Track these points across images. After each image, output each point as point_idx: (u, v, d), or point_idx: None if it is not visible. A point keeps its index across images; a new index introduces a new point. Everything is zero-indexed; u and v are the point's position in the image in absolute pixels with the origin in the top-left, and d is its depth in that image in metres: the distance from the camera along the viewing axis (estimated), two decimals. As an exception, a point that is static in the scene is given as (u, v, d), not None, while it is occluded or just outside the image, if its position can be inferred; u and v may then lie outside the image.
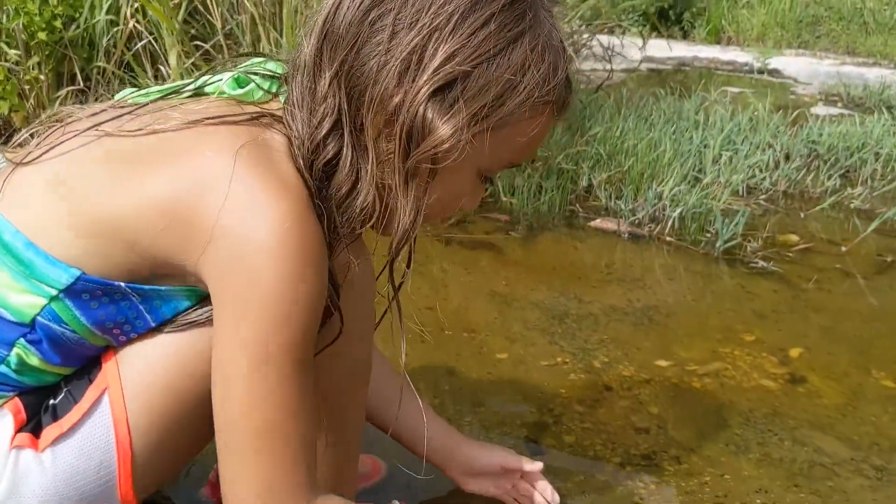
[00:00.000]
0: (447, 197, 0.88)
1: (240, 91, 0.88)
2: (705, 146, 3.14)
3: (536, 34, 0.82)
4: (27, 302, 0.82)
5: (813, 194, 3.02)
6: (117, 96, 0.93)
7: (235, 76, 0.89)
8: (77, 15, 2.63)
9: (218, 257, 0.76)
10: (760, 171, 3.08)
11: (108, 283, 0.82)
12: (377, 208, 0.84)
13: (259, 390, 0.77)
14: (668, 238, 2.53)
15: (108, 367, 0.86)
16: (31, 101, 2.65)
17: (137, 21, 2.59)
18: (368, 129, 0.82)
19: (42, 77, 2.64)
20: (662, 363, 1.80)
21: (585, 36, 3.31)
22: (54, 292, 0.81)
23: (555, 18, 0.86)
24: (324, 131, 0.83)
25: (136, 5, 2.56)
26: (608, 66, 3.83)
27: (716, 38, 7.56)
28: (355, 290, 0.93)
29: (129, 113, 0.86)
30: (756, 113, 3.73)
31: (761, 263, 2.37)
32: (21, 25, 2.56)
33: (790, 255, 2.45)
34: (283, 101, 0.88)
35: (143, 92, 0.91)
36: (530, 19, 0.82)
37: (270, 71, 0.92)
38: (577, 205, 2.77)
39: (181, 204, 0.77)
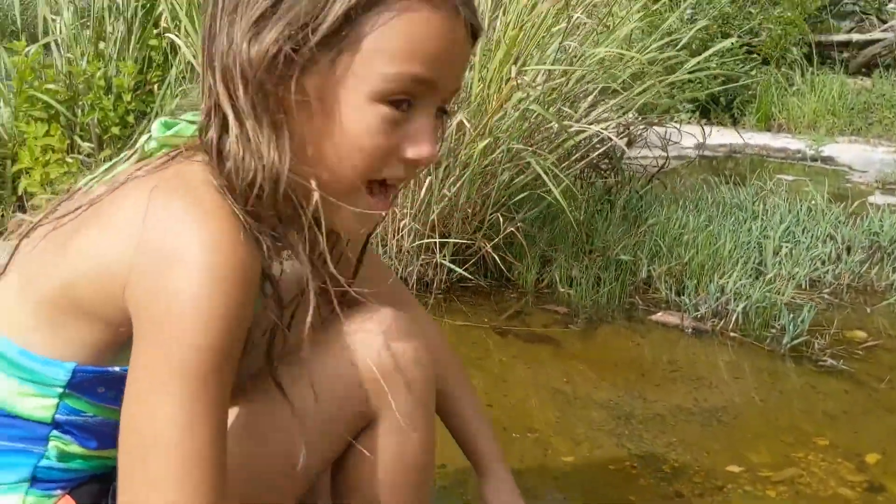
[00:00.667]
0: (350, 136, 0.79)
1: (169, 133, 0.86)
2: (765, 237, 3.11)
3: None
4: (41, 405, 0.82)
5: (878, 288, 2.95)
6: (80, 183, 0.90)
7: (163, 120, 0.87)
8: (148, 110, 2.73)
9: (138, 289, 0.74)
10: (823, 263, 3.02)
11: (103, 370, 0.81)
12: (256, 178, 0.78)
13: (164, 410, 0.73)
14: (732, 333, 2.48)
15: None
16: (101, 191, 2.71)
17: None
18: (228, 95, 0.78)
19: (112, 169, 2.72)
20: (734, 469, 1.74)
21: (641, 127, 3.33)
22: (60, 390, 0.81)
23: None
24: (204, 117, 0.81)
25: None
26: (662, 155, 3.83)
27: (766, 124, 7.56)
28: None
29: (67, 199, 0.86)
30: (814, 202, 3.70)
31: (830, 361, 2.30)
32: (96, 120, 2.66)
33: (859, 352, 2.39)
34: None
35: (94, 175, 0.89)
36: None
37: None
38: (637, 297, 2.75)
39: (107, 254, 0.76)
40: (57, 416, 0.82)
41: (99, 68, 2.65)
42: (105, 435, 0.85)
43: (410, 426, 0.98)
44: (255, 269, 0.77)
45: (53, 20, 2.70)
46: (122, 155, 0.90)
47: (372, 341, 0.97)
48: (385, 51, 0.76)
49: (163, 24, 2.57)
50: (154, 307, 0.73)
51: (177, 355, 0.73)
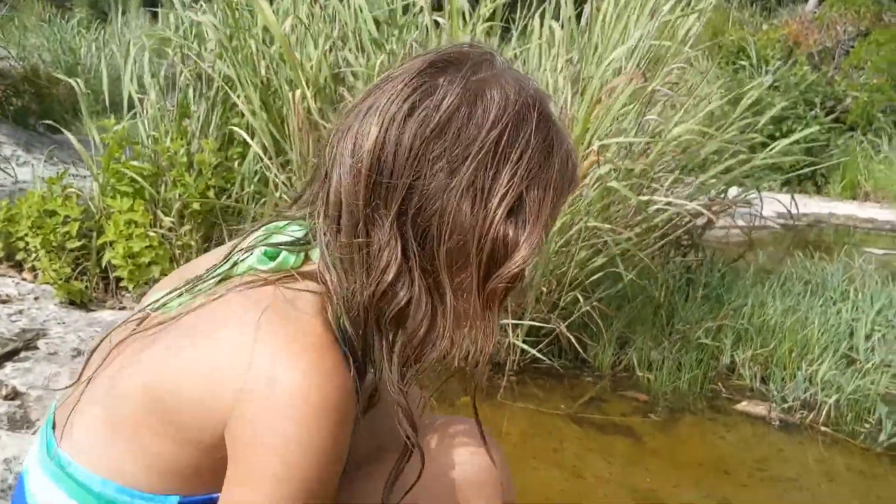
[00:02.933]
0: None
1: (272, 265, 0.86)
2: (856, 321, 2.96)
3: (560, 139, 0.86)
4: None
5: (982, 378, 2.76)
6: (149, 305, 0.89)
7: (264, 251, 0.87)
8: (229, 186, 2.77)
9: (240, 415, 0.75)
10: (920, 350, 2.86)
11: (208, 497, 0.80)
12: (455, 342, 0.83)
13: None
14: (822, 427, 2.35)
15: None
16: (181, 264, 2.76)
17: (283, 193, 2.70)
18: (442, 266, 0.81)
19: (192, 243, 2.76)
20: (830, 588, 1.61)
21: (725, 206, 3.23)
22: None
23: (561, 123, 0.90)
24: (390, 278, 0.80)
25: (281, 177, 2.67)
26: (743, 229, 3.71)
27: (852, 193, 7.33)
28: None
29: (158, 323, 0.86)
30: (907, 281, 3.52)
31: (932, 463, 2.15)
32: (177, 196, 2.71)
33: (964, 452, 2.22)
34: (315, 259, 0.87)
35: (172, 295, 0.88)
36: (551, 127, 0.85)
37: (294, 236, 0.90)
38: (720, 384, 2.63)
39: (213, 375, 0.76)
40: None
41: (182, 146, 2.71)
42: None
43: None
44: (353, 402, 0.79)
45: (140, 99, 2.78)
46: (204, 273, 0.89)
47: (460, 452, 0.98)
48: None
49: (239, 106, 2.62)
50: (256, 442, 0.74)
51: (273, 490, 0.74)
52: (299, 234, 0.90)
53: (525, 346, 2.57)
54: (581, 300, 2.63)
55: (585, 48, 2.68)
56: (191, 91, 2.78)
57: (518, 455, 2.11)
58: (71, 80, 2.92)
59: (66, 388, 0.89)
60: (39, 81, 5.86)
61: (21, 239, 2.77)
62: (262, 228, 0.92)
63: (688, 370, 2.61)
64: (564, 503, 1.87)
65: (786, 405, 2.42)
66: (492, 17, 2.79)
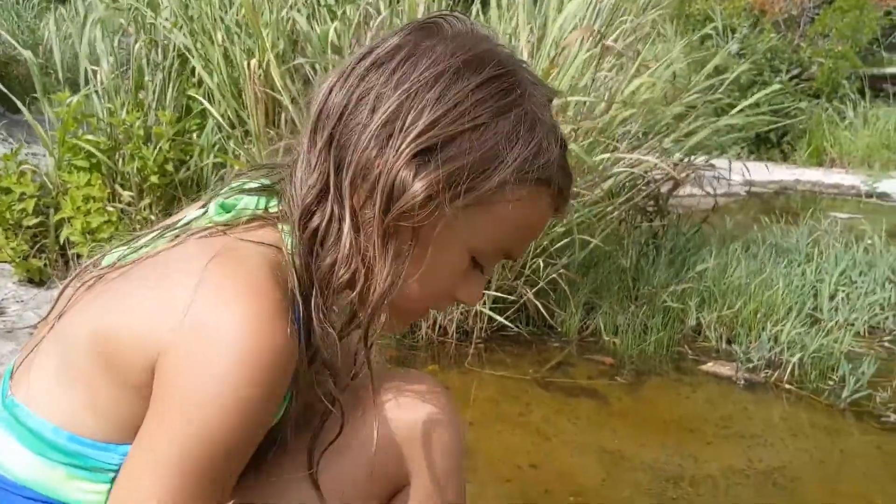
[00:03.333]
0: (437, 274, 0.84)
1: (227, 216, 0.85)
2: (820, 281, 2.98)
3: (525, 110, 0.81)
4: (92, 490, 0.79)
5: (943, 335, 2.80)
6: (107, 259, 0.87)
7: (220, 202, 0.87)
8: (187, 158, 2.72)
9: (169, 357, 0.73)
10: (882, 308, 2.89)
11: None
12: (359, 279, 0.81)
13: (163, 486, 0.72)
14: (787, 386, 2.36)
15: None
16: (141, 240, 2.71)
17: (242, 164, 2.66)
18: (353, 197, 0.81)
19: (153, 217, 2.72)
20: (793, 538, 1.63)
21: (688, 170, 3.23)
22: (113, 474, 0.78)
23: (547, 107, 0.85)
24: (310, 199, 0.81)
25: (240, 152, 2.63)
26: (709, 193, 3.72)
27: (818, 160, 7.39)
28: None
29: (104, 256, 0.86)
30: (871, 242, 3.56)
31: (893, 417, 2.17)
32: (135, 169, 2.66)
33: (926, 406, 2.25)
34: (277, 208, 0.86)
35: (131, 248, 0.87)
36: (519, 95, 0.81)
37: (260, 184, 0.90)
38: (686, 346, 2.64)
39: (156, 316, 0.75)
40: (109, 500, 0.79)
41: (138, 118, 2.65)
42: None
43: (442, 489, 0.96)
44: (291, 365, 0.76)
45: (94, 71, 2.72)
46: (160, 226, 0.89)
47: (404, 404, 0.96)
48: (504, 222, 0.83)
49: (196, 76, 2.57)
50: (179, 380, 0.72)
51: (183, 442, 0.72)
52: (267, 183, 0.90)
53: (492, 314, 2.57)
54: (547, 266, 2.63)
55: (546, 12, 2.66)
56: (145, 62, 2.72)
57: (485, 420, 2.10)
58: (24, 52, 2.84)
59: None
60: (-3, 61, 5.75)
61: (-25, 214, 2.71)
62: (236, 183, 0.92)
63: (654, 333, 2.62)
64: (528, 464, 1.87)
65: (751, 365, 2.44)
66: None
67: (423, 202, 0.78)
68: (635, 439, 2.02)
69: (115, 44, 2.84)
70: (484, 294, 0.86)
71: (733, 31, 8.09)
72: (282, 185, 0.86)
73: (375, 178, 0.79)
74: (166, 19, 2.70)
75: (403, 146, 0.78)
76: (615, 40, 2.59)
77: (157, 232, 0.86)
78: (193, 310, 0.72)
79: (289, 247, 0.82)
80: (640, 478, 1.83)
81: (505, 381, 2.33)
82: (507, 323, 2.58)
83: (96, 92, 2.75)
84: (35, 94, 2.87)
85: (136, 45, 2.70)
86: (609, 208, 2.87)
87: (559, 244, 2.66)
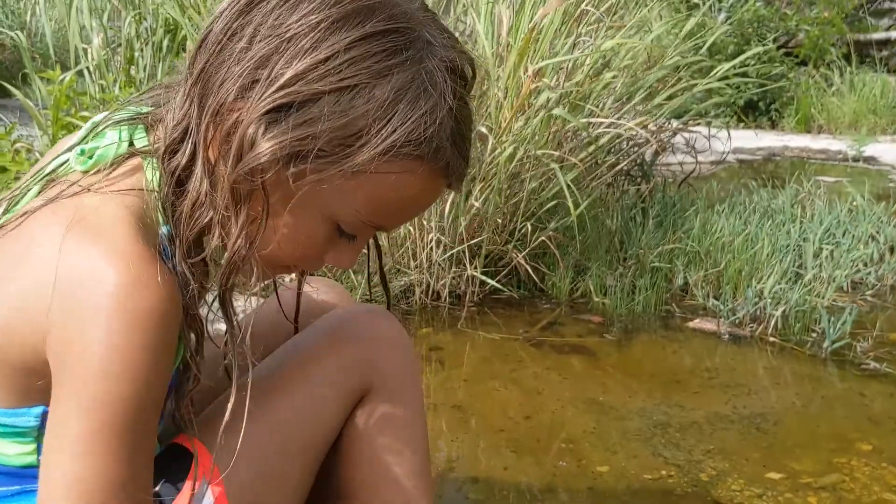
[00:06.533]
0: (296, 238, 0.80)
1: (89, 162, 0.81)
2: (804, 240, 3.04)
3: (411, 76, 0.73)
4: (22, 451, 0.82)
5: (924, 288, 2.87)
6: None
7: (80, 149, 0.82)
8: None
9: (54, 340, 0.72)
10: (865, 265, 2.96)
11: None
12: (214, 230, 0.78)
13: (84, 465, 0.72)
14: (771, 338, 2.43)
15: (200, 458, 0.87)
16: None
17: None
18: (208, 140, 0.76)
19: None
20: (774, 476, 1.69)
21: (671, 133, 3.29)
22: (35, 433, 0.80)
23: (446, 74, 0.76)
24: (175, 134, 0.78)
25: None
26: (695, 158, 3.78)
27: (805, 126, 7.43)
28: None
29: None
30: (855, 203, 3.62)
31: (873, 364, 2.24)
32: (128, 144, 2.70)
33: (904, 354, 2.32)
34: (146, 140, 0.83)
35: (9, 204, 0.84)
36: (407, 58, 0.74)
37: (132, 113, 0.85)
38: (674, 304, 2.71)
39: (24, 303, 0.74)
40: (40, 456, 0.80)
41: (131, 93, 2.69)
42: None
43: (403, 393, 1.02)
44: (175, 313, 0.75)
45: (85, 48, 2.75)
46: (30, 176, 0.86)
47: (360, 319, 1.02)
48: (370, 195, 0.77)
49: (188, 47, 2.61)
50: (69, 358, 0.71)
51: (91, 417, 0.71)
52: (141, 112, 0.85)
53: (484, 278, 2.63)
54: (536, 230, 2.68)
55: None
56: (135, 37, 2.75)
57: (478, 377, 2.17)
58: (12, 34, 2.87)
59: None
60: (-16, 46, 5.75)
61: (-29, 195, 2.75)
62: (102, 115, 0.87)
63: (642, 293, 2.68)
64: (523, 416, 1.93)
65: (735, 318, 2.50)
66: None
67: (269, 164, 0.73)
68: (624, 391, 2.09)
69: (105, 21, 2.87)
70: (357, 259, 0.87)
71: (720, 0, 8.11)
72: (160, 112, 0.83)
73: (230, 127, 0.74)
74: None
75: (261, 98, 0.72)
76: (594, 5, 2.64)
77: (28, 181, 0.84)
78: (60, 288, 0.71)
79: (154, 184, 0.79)
80: (628, 426, 1.90)
81: (497, 342, 2.39)
82: (498, 286, 2.64)
83: (87, 69, 2.79)
84: (24, 76, 2.90)
85: (126, 21, 2.73)
86: (596, 172, 2.93)
87: (547, 206, 2.72)
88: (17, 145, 2.79)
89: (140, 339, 0.71)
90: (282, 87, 0.71)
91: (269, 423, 0.95)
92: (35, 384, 0.76)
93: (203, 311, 0.86)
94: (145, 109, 0.86)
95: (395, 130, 0.73)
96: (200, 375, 0.83)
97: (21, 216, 0.79)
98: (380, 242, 1.04)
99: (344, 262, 0.84)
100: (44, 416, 0.79)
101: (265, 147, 0.72)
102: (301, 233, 0.80)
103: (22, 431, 0.81)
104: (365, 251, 0.97)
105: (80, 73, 2.81)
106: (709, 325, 2.53)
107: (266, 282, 0.97)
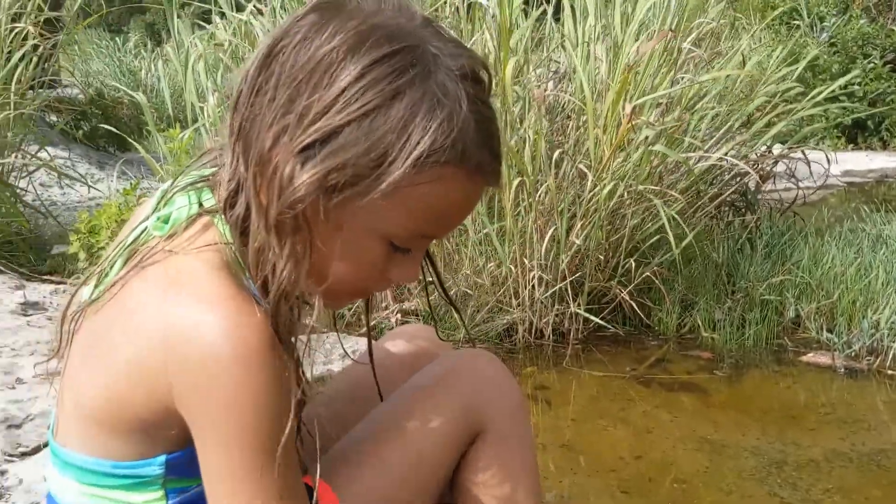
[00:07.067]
0: (355, 263, 0.84)
1: (166, 228, 0.87)
2: (922, 269, 2.92)
3: (422, 90, 0.77)
4: (151, 498, 0.87)
5: None
6: (85, 291, 0.91)
7: (156, 217, 0.88)
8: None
9: (185, 397, 0.78)
10: None
11: (191, 449, 0.85)
12: (273, 271, 0.81)
13: (246, 491, 0.78)
14: (889, 371, 2.35)
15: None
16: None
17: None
18: (256, 188, 0.81)
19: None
20: (900, 517, 1.64)
21: (772, 160, 3.23)
22: (161, 480, 0.87)
23: (457, 80, 0.80)
24: (230, 189, 0.83)
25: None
26: (805, 186, 3.69)
27: (920, 146, 7.14)
28: None
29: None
30: (978, 227, 3.46)
31: None
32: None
33: None
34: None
35: (99, 277, 0.90)
36: (416, 74, 0.77)
37: (195, 178, 0.91)
38: (785, 338, 2.64)
39: (141, 365, 0.80)
40: (169, 501, 0.88)
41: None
42: None
43: (513, 434, 1.05)
44: (277, 342, 0.80)
45: (201, 107, 2.92)
46: (119, 244, 0.91)
47: (465, 363, 1.07)
48: (412, 207, 0.80)
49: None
50: (201, 405, 0.78)
51: (236, 443, 0.78)
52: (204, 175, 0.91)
53: (587, 315, 2.63)
54: (640, 266, 2.67)
55: (615, 16, 2.72)
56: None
57: (586, 416, 2.17)
58: (136, 95, 3.07)
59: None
60: (104, 104, 6.13)
61: (102, 248, 2.93)
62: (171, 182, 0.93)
63: (752, 327, 2.63)
64: (633, 456, 1.92)
65: (851, 351, 2.43)
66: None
67: (307, 196, 0.78)
68: (736, 429, 2.06)
69: (219, 80, 3.04)
70: (419, 272, 0.91)
71: (821, 19, 7.91)
72: (219, 173, 0.88)
73: (272, 171, 0.79)
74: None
75: (292, 140, 0.78)
76: (693, 39, 2.64)
77: (113, 255, 0.90)
78: (172, 345, 0.77)
79: (227, 237, 0.84)
80: (742, 464, 1.87)
81: (604, 380, 2.39)
82: (603, 323, 2.64)
83: (203, 126, 2.95)
84: (140, 136, 3.08)
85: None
86: (698, 204, 2.90)
87: (650, 241, 2.71)
88: (142, 199, 2.96)
89: (255, 370, 0.77)
90: (307, 127, 0.77)
91: (383, 468, 0.99)
92: (167, 435, 0.83)
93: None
94: (207, 171, 0.92)
95: (418, 143, 0.76)
96: (307, 399, 0.87)
97: (112, 287, 0.86)
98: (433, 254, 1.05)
99: (408, 276, 0.88)
100: (167, 463, 0.86)
101: (301, 181, 0.77)
102: (358, 257, 0.84)
103: (148, 481, 0.87)
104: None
105: (197, 129, 2.97)
106: (823, 358, 2.46)
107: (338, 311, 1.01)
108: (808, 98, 3.16)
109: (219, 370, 0.76)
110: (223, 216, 0.85)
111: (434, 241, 0.95)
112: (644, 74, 2.51)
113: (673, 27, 2.64)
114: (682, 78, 2.69)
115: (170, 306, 0.78)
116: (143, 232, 0.88)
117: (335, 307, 0.93)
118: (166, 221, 0.87)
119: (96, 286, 0.89)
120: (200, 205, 0.88)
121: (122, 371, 0.82)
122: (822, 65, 6.95)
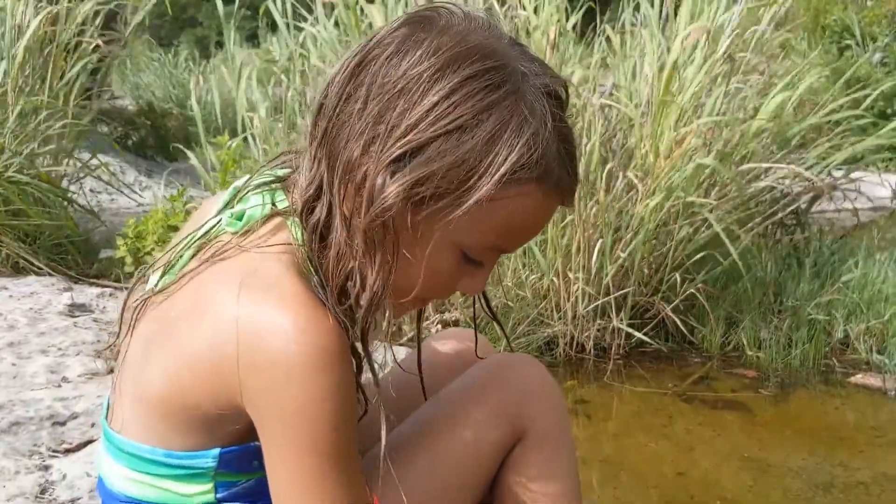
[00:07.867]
0: (429, 272, 0.84)
1: (239, 224, 0.87)
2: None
3: (511, 108, 0.79)
4: (200, 490, 0.88)
5: None
6: (152, 279, 0.92)
7: (230, 214, 0.88)
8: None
9: (254, 395, 0.79)
10: None
11: (245, 447, 0.86)
12: (354, 278, 0.83)
13: (314, 493, 0.79)
14: (943, 396, 2.29)
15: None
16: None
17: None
18: (342, 195, 0.82)
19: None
20: (953, 543, 1.59)
21: (826, 180, 3.18)
22: (212, 473, 0.87)
23: (543, 99, 0.81)
24: (309, 193, 0.83)
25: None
26: (847, 207, 3.62)
27: (977, 167, 6.96)
28: None
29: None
30: None
31: None
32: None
33: None
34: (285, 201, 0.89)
35: (167, 266, 0.91)
36: (505, 91, 0.79)
37: (270, 177, 0.91)
38: (834, 358, 2.59)
39: (208, 362, 0.80)
40: (217, 494, 0.89)
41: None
42: (263, 492, 0.90)
43: (554, 439, 1.04)
44: (347, 346, 0.81)
45: (250, 117, 2.96)
46: (186, 237, 0.92)
47: (509, 367, 1.07)
48: (491, 221, 0.82)
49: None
50: (270, 407, 0.79)
51: (304, 446, 0.79)
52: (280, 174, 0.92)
53: (630, 330, 2.60)
54: (685, 282, 2.64)
55: (669, 36, 2.71)
56: (296, 106, 2.94)
57: (628, 431, 2.14)
58: (188, 104, 3.12)
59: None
60: (154, 115, 6.26)
61: (148, 254, 2.97)
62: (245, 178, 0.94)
63: (799, 346, 2.58)
64: (675, 472, 1.89)
65: (903, 374, 2.38)
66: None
67: (396, 207, 0.78)
68: (782, 448, 2.01)
69: (270, 91, 3.09)
70: (486, 283, 0.91)
71: (874, 39, 7.78)
72: (295, 175, 0.89)
73: (360, 181, 0.80)
74: (314, 66, 2.91)
75: (383, 151, 0.78)
76: (744, 56, 2.61)
77: (182, 246, 0.90)
78: (245, 343, 0.77)
79: (299, 239, 0.85)
80: (788, 484, 1.83)
81: (646, 396, 2.36)
82: (645, 339, 2.61)
83: (251, 135, 2.99)
84: (188, 146, 3.13)
85: (289, 93, 2.92)
86: (749, 224, 2.86)
87: (696, 257, 2.67)
88: (188, 206, 3.01)
89: (327, 374, 0.77)
90: (399, 138, 0.77)
91: (425, 470, 0.99)
92: (229, 430, 0.84)
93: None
94: (281, 172, 0.92)
95: (505, 159, 0.78)
96: (367, 405, 0.88)
97: (181, 278, 0.87)
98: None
99: (476, 287, 0.89)
100: (221, 457, 0.87)
101: (390, 191, 0.78)
102: (433, 266, 0.84)
103: (200, 473, 0.87)
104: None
105: (245, 139, 3.02)
106: (873, 380, 2.40)
107: (397, 321, 1.03)
108: (887, 128, 3.10)
109: (294, 374, 0.76)
110: (298, 219, 0.85)
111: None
112: (691, 87, 2.49)
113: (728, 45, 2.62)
114: (733, 90, 2.66)
115: (246, 305, 0.78)
116: (214, 226, 0.89)
117: (397, 315, 0.93)
118: (240, 218, 0.88)
119: (162, 276, 0.90)
120: (273, 205, 0.88)
121: (188, 363, 0.82)
122: (875, 85, 6.83)
